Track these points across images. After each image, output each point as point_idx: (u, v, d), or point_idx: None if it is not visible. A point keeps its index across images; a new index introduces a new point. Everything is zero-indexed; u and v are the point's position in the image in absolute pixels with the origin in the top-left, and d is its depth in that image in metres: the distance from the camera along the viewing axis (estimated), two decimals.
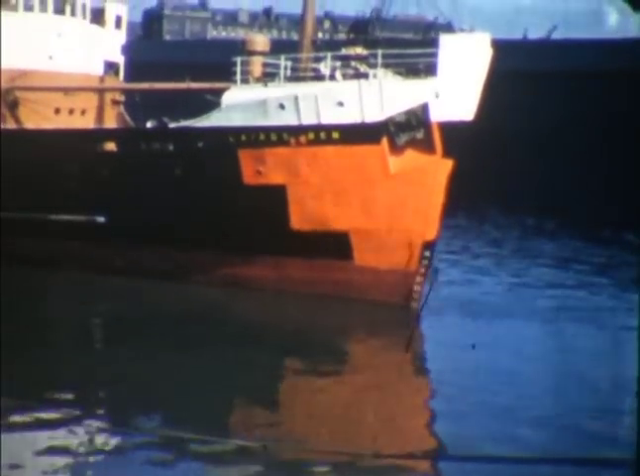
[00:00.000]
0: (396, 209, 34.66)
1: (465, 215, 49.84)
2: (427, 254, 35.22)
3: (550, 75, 67.82)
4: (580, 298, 37.10)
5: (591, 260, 45.02)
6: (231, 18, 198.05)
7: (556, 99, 67.40)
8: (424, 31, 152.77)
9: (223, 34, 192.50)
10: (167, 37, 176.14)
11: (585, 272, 42.32)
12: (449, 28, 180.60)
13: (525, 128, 64.89)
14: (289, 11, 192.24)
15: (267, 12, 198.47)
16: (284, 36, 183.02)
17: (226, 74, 36.04)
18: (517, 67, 60.62)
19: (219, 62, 70.83)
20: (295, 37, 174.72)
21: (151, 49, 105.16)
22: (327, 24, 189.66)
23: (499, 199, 58.81)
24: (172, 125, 36.72)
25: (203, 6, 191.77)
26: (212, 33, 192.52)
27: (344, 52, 35.94)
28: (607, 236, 51.32)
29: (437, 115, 33.87)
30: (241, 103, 35.04)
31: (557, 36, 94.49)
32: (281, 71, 35.09)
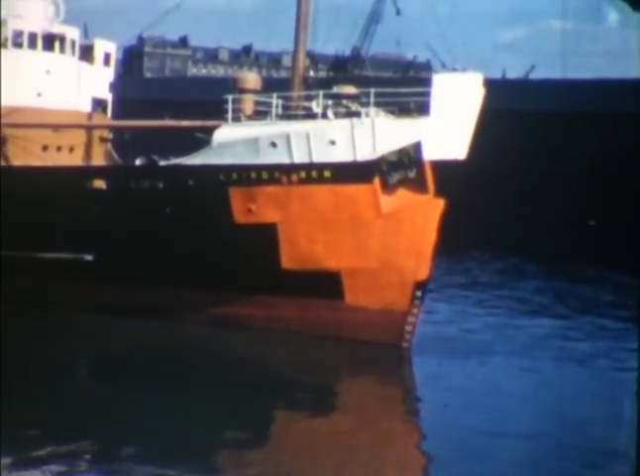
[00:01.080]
0: (388, 249, 34.41)
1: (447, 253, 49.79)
2: (419, 294, 34.90)
3: (536, 115, 67.94)
4: (561, 335, 37.27)
5: (575, 298, 45.03)
6: (211, 55, 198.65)
7: (541, 138, 67.47)
8: (403, 69, 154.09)
9: (203, 71, 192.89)
10: (148, 74, 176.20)
11: (570, 309, 42.31)
12: (428, 66, 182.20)
13: (511, 167, 64.86)
14: (269, 49, 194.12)
15: (248, 50, 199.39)
16: (264, 73, 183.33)
17: (206, 111, 35.78)
18: (508, 107, 60.73)
19: (199, 99, 70.87)
20: (275, 74, 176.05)
21: (131, 86, 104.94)
22: (307, 62, 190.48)
23: (485, 238, 58.72)
24: (162, 163, 36.39)
25: (184, 43, 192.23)
26: (192, 70, 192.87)
27: (335, 90, 35.74)
28: (591, 275, 51.35)
29: (429, 154, 33.70)
30: (232, 141, 34.81)
31: (535, 75, 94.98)
32: (273, 110, 34.90)
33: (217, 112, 35.67)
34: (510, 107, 62.36)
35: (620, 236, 54.28)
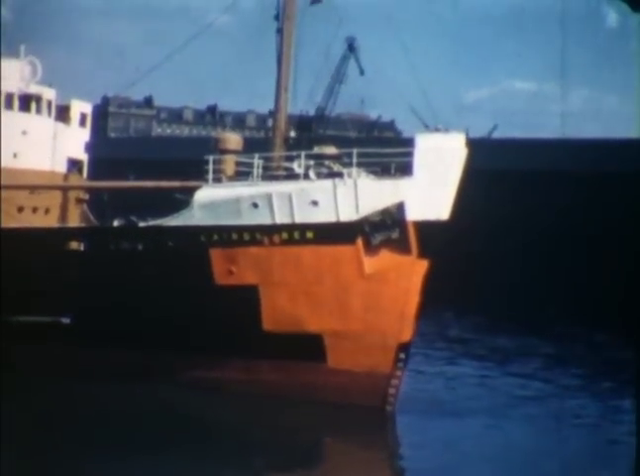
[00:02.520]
0: (371, 310, 34.04)
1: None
2: (402, 356, 34.50)
3: (513, 174, 68.26)
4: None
5: (569, 361, 44.92)
6: (176, 115, 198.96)
7: (518, 197, 67.75)
8: (367, 129, 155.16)
9: (168, 131, 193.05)
10: (112, 134, 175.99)
11: (563, 373, 42.14)
12: (391, 126, 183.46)
13: (487, 225, 64.95)
14: (234, 109, 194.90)
15: (212, 110, 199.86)
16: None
17: (170, 171, 35.54)
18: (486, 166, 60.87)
19: (164, 159, 70.35)
20: (240, 134, 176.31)
21: (95, 145, 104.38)
22: (271, 122, 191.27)
23: (468, 298, 58.57)
24: (141, 224, 35.95)
25: (148, 104, 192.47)
26: (157, 130, 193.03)
27: (316, 150, 35.58)
28: (576, 333, 51.40)
29: (413, 214, 33.52)
30: (213, 202, 34.50)
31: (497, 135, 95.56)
32: (255, 170, 34.67)
33: (183, 171, 35.49)
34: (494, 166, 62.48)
35: (600, 294, 54.53)
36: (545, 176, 68.47)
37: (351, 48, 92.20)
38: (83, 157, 43.43)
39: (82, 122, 43.32)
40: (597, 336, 50.87)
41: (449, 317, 56.15)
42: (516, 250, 67.68)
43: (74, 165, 42.68)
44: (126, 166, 44.91)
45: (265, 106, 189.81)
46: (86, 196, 42.36)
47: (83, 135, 43.40)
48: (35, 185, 38.96)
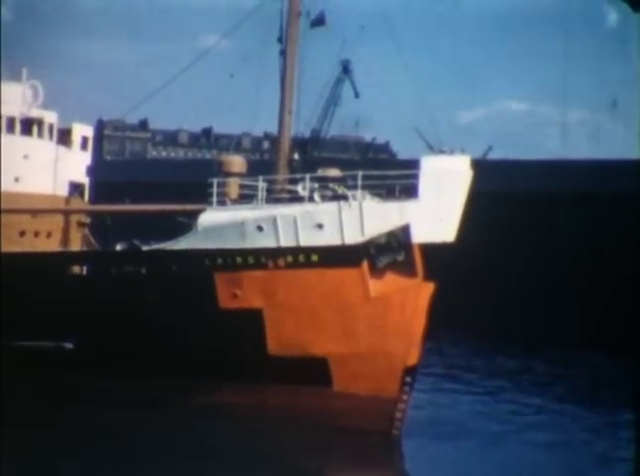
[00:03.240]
0: (377, 334, 33.81)
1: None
2: (409, 379, 34.25)
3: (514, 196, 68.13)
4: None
5: (567, 381, 44.73)
6: (171, 138, 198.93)
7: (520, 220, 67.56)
8: (362, 151, 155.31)
9: (163, 154, 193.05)
10: (108, 157, 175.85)
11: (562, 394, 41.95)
12: (386, 148, 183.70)
13: (488, 247, 64.69)
14: (229, 131, 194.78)
15: (207, 132, 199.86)
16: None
17: (166, 193, 35.34)
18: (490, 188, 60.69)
19: (159, 182, 70.07)
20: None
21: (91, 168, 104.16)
22: (266, 144, 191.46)
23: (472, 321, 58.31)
24: (145, 248, 35.72)
25: (143, 126, 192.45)
26: (152, 153, 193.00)
27: (320, 173, 35.41)
28: (573, 354, 51.23)
29: (418, 237, 33.36)
30: (218, 225, 34.31)
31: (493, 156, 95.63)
32: (259, 193, 34.49)
33: (179, 194, 35.30)
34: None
35: (597, 313, 54.43)
36: (541, 197, 68.37)
37: (345, 70, 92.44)
38: (85, 180, 43.27)
39: (84, 145, 43.19)
40: (594, 356, 50.67)
41: (445, 337, 55.72)
42: (512, 271, 67.49)
43: (76, 188, 42.51)
44: (122, 188, 44.71)
45: (259, 129, 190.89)
46: (88, 220, 42.15)
47: (85, 158, 43.26)
48: (37, 209, 38.75)
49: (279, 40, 37.63)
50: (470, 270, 62.62)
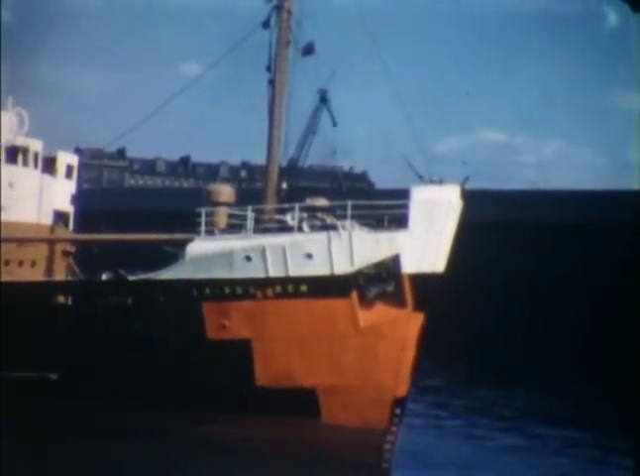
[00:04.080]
0: (366, 365, 33.56)
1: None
2: (398, 411, 33.99)
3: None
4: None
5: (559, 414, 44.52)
6: (149, 167, 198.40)
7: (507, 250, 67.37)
8: (340, 180, 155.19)
9: (140, 182, 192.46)
10: (85, 185, 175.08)
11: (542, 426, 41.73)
12: (364, 177, 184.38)
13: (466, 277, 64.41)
14: (206, 160, 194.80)
15: (185, 161, 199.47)
16: (201, 185, 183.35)
17: (145, 221, 35.06)
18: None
19: (137, 210, 69.64)
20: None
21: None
22: (244, 173, 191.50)
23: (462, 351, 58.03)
24: (131, 277, 35.36)
25: (121, 155, 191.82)
26: (130, 181, 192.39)
27: (309, 202, 35.24)
28: (559, 384, 51.05)
29: (408, 267, 33.19)
30: (206, 255, 34.02)
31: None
32: (248, 222, 34.26)
33: (158, 222, 35.08)
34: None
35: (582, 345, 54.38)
36: (524, 226, 68.36)
37: (323, 99, 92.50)
38: (69, 209, 42.87)
39: (68, 174, 42.87)
40: (581, 387, 50.53)
41: (431, 368, 55.45)
42: (494, 302, 67.33)
43: (60, 217, 42.11)
44: (99, 216, 44.46)
45: (237, 157, 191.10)
46: (73, 249, 41.72)
47: (69, 187, 42.92)
48: (22, 238, 38.28)
49: (268, 69, 37.57)
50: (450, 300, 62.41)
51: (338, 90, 39.08)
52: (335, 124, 38.38)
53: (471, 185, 34.14)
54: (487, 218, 66.74)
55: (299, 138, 40.76)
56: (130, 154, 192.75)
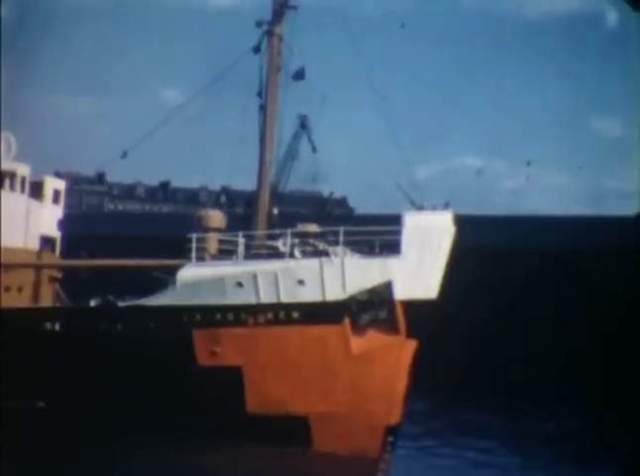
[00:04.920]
0: (358, 392, 33.35)
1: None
2: (391, 439, 33.71)
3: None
4: None
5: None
6: (128, 192, 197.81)
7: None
8: (320, 206, 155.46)
9: (120, 207, 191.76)
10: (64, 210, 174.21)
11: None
12: (344, 203, 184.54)
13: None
14: (186, 185, 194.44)
15: (164, 186, 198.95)
16: (181, 210, 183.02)
17: (125, 247, 34.56)
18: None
19: (117, 235, 69.03)
20: (191, 210, 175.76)
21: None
22: (223, 198, 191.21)
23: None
24: (121, 304, 35.00)
25: (100, 180, 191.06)
26: (109, 206, 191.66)
27: (300, 228, 35.03)
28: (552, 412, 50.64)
29: (401, 294, 33.01)
30: (197, 281, 33.72)
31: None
32: (240, 248, 34.01)
33: (139, 247, 34.70)
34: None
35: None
36: (509, 252, 68.12)
37: (303, 125, 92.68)
38: (56, 234, 42.45)
39: (55, 199, 42.51)
40: (563, 411, 50.16)
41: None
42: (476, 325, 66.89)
43: (47, 242, 41.65)
44: (78, 241, 44.09)
45: (217, 182, 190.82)
46: (59, 275, 41.25)
47: (56, 212, 42.53)
48: (10, 264, 37.76)
49: (259, 94, 37.43)
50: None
51: (319, 116, 38.91)
52: (315, 150, 38.12)
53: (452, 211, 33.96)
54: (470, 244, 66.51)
55: (279, 163, 40.68)
56: (109, 179, 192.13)
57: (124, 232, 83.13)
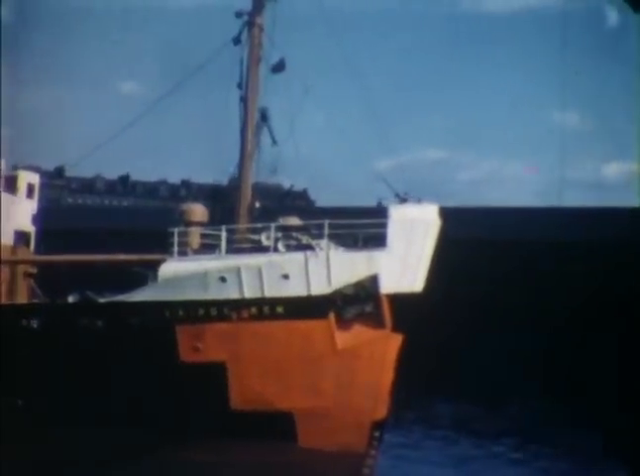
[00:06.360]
0: (344, 387, 32.93)
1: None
2: (377, 434, 33.36)
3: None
4: None
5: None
6: (87, 186, 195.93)
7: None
8: (280, 198, 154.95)
9: (79, 201, 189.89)
10: None
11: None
12: (304, 195, 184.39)
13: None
14: (145, 178, 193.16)
15: (124, 180, 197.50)
16: (141, 203, 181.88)
17: (85, 240, 34.09)
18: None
19: (75, 229, 68.17)
20: (150, 203, 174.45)
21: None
22: (184, 192, 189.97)
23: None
24: (101, 300, 34.37)
25: (59, 174, 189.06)
26: (68, 200, 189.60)
27: (281, 221, 34.55)
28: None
29: (387, 287, 32.65)
30: (179, 276, 33.17)
31: None
32: (222, 243, 33.49)
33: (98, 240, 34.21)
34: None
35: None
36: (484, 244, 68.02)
37: (263, 117, 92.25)
38: (30, 229, 41.67)
39: (30, 193, 41.75)
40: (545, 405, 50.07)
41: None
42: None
43: (22, 237, 40.87)
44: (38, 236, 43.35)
45: (178, 177, 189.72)
46: (34, 270, 40.46)
47: (30, 206, 41.74)
48: None
49: (239, 86, 36.94)
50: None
51: (278, 108, 38.51)
52: (275, 143, 37.63)
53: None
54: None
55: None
56: (69, 173, 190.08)
57: (83, 225, 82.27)
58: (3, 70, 41.55)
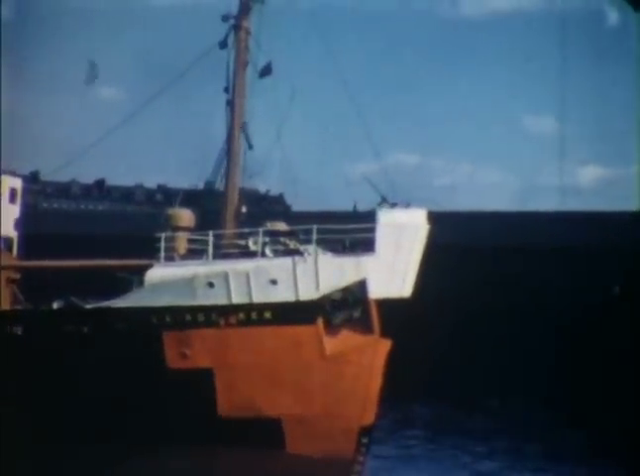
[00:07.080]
0: (332, 393, 32.75)
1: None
2: (365, 440, 33.17)
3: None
4: None
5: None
6: (63, 190, 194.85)
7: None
8: (257, 202, 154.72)
9: (55, 206, 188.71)
10: None
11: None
12: (281, 200, 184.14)
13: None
14: (121, 183, 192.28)
15: (100, 184, 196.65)
16: (117, 208, 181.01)
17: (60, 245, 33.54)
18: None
19: (52, 233, 67.63)
20: (127, 208, 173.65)
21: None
22: (159, 197, 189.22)
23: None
24: (87, 306, 34.05)
25: (34, 178, 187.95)
26: (43, 205, 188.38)
27: (268, 226, 34.32)
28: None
29: (375, 292, 32.50)
30: (166, 281, 32.89)
31: None
32: (210, 248, 33.24)
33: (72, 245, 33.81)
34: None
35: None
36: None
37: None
38: (13, 234, 41.23)
39: (12, 198, 41.30)
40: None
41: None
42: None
43: (4, 242, 40.43)
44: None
45: (152, 181, 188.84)
46: (17, 276, 40.01)
47: (13, 211, 41.31)
48: None
49: (226, 90, 36.72)
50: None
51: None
52: (251, 147, 37.33)
53: None
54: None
55: (216, 161, 40.00)
56: (44, 177, 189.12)
57: (58, 230, 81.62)
58: None
